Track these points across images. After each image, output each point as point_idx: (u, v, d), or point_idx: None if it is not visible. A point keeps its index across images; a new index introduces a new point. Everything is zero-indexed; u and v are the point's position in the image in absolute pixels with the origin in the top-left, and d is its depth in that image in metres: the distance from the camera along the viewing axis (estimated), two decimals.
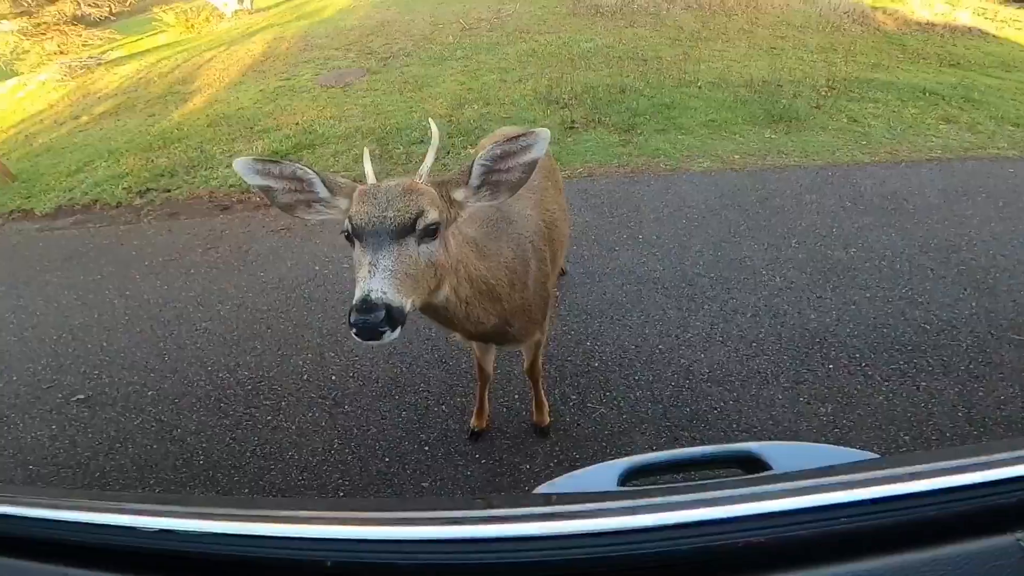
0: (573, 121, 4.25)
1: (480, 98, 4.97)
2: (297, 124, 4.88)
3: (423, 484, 1.87)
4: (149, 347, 2.59)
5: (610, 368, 2.20)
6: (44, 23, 8.68)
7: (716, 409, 2.00)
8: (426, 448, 1.98)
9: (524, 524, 0.44)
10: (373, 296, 0.85)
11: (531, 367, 1.80)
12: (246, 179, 1.03)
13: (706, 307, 2.44)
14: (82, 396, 2.38)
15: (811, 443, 0.66)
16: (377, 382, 2.26)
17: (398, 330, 0.88)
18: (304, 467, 1.96)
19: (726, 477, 0.64)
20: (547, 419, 1.99)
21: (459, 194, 1.04)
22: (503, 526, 0.43)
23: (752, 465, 0.59)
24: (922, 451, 1.78)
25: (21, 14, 8.46)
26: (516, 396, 2.13)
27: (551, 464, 1.89)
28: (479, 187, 1.04)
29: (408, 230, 0.93)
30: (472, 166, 1.01)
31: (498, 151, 0.99)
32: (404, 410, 2.13)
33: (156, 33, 9.98)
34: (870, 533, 0.41)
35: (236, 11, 10.45)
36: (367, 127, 4.62)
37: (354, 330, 0.85)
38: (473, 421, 1.99)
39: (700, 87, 4.72)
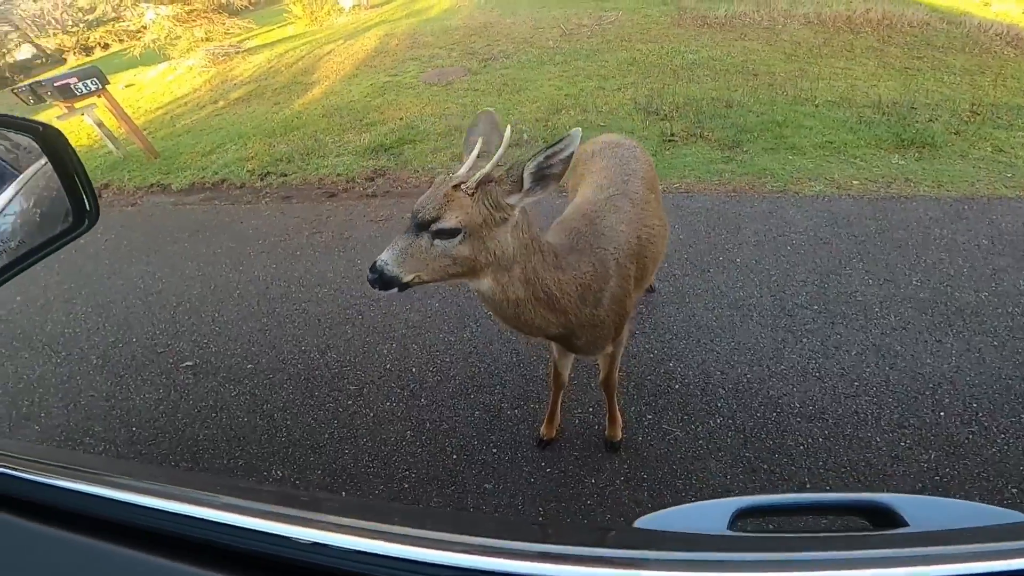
0: (672, 134, 4.10)
1: (577, 104, 4.95)
2: (401, 119, 5.13)
3: (486, 486, 1.89)
4: (254, 322, 2.81)
5: (691, 392, 2.11)
6: (195, 10, 9.74)
7: (803, 445, 1.87)
8: (494, 450, 2.00)
9: (632, 571, 0.41)
10: (378, 263, 1.09)
11: (606, 379, 1.78)
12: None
13: (805, 340, 2.27)
14: (190, 363, 2.61)
15: (955, 499, 0.56)
16: (455, 379, 2.31)
17: (393, 290, 1.11)
18: (376, 455, 2.04)
19: (853, 531, 0.57)
20: (619, 434, 1.94)
21: (512, 199, 1.12)
22: (614, 571, 0.41)
23: (882, 518, 0.52)
24: None
25: (176, 0, 9.54)
26: (590, 409, 2.10)
27: (616, 481, 1.85)
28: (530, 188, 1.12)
29: (425, 227, 1.08)
30: (523, 175, 1.08)
31: (542, 158, 1.05)
32: (477, 410, 2.16)
33: (285, 25, 10.89)
34: None
35: (354, 6, 11.21)
36: (465, 126, 4.72)
37: None
38: (543, 429, 1.99)
39: (817, 105, 4.38)
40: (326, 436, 2.14)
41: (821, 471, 1.79)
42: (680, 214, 3.12)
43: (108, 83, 5.01)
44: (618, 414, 1.93)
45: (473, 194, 1.08)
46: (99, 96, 4.94)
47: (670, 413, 2.04)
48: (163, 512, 0.48)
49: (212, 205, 4.17)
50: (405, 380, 2.34)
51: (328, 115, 5.56)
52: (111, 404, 2.45)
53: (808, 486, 1.76)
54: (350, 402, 2.28)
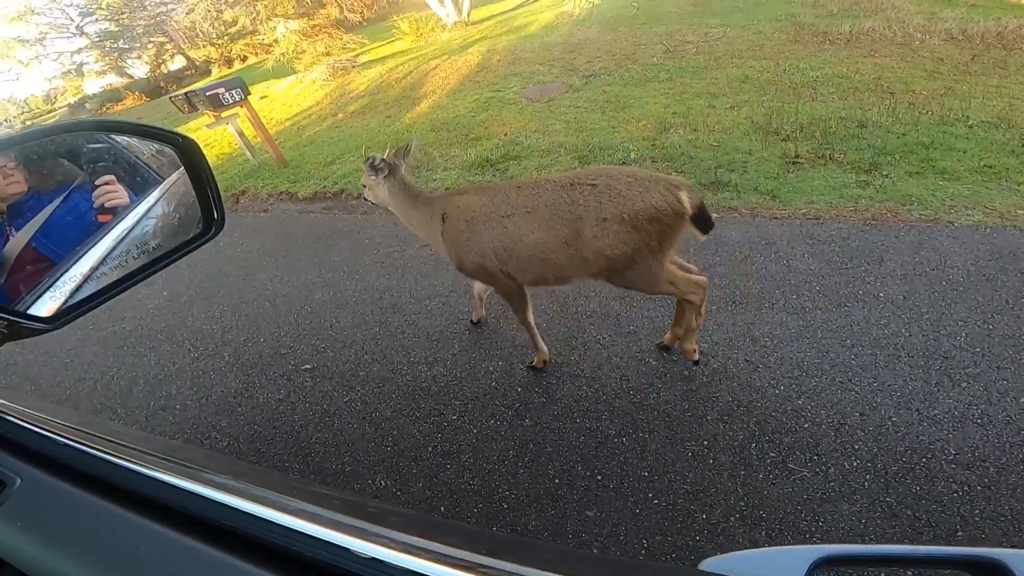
0: (797, 155, 3.82)
1: (686, 123, 4.76)
2: (505, 135, 5.22)
3: (587, 513, 1.81)
4: (367, 330, 2.92)
5: (823, 432, 1.92)
6: (317, 25, 10.68)
7: (956, 492, 1.65)
8: (598, 477, 1.92)
9: None
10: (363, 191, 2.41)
11: None
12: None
13: (964, 385, 2.00)
14: (309, 366, 2.74)
15: None
16: (560, 402, 2.25)
17: (366, 201, 2.38)
18: (477, 472, 2.03)
19: None
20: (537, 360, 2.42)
21: (371, 177, 2.27)
22: None
23: (991, 575, 0.44)
24: None
25: (302, 15, 10.50)
26: (705, 442, 1.97)
27: (731, 518, 1.70)
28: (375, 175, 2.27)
29: None
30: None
31: (369, 167, 2.25)
32: (582, 435, 2.09)
33: (394, 40, 11.58)
34: None
35: (456, 22, 11.72)
36: (569, 143, 4.74)
37: None
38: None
39: (971, 126, 3.89)
40: (429, 449, 2.16)
41: (976, 519, 1.59)
42: (810, 242, 2.88)
43: (249, 94, 5.46)
44: (535, 343, 2.40)
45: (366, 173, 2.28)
46: (241, 106, 5.41)
47: (797, 452, 1.86)
48: (251, 516, 0.49)
49: (332, 214, 4.46)
50: (510, 399, 2.32)
51: (435, 129, 5.79)
52: (237, 401, 2.63)
53: (960, 534, 1.56)
54: (455, 417, 2.29)
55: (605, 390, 2.26)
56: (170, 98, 5.77)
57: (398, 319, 2.96)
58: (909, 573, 1.38)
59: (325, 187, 4.88)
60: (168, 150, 1.06)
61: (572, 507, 1.84)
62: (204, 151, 1.08)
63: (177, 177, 1.09)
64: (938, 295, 2.41)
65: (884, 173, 3.47)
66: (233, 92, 5.25)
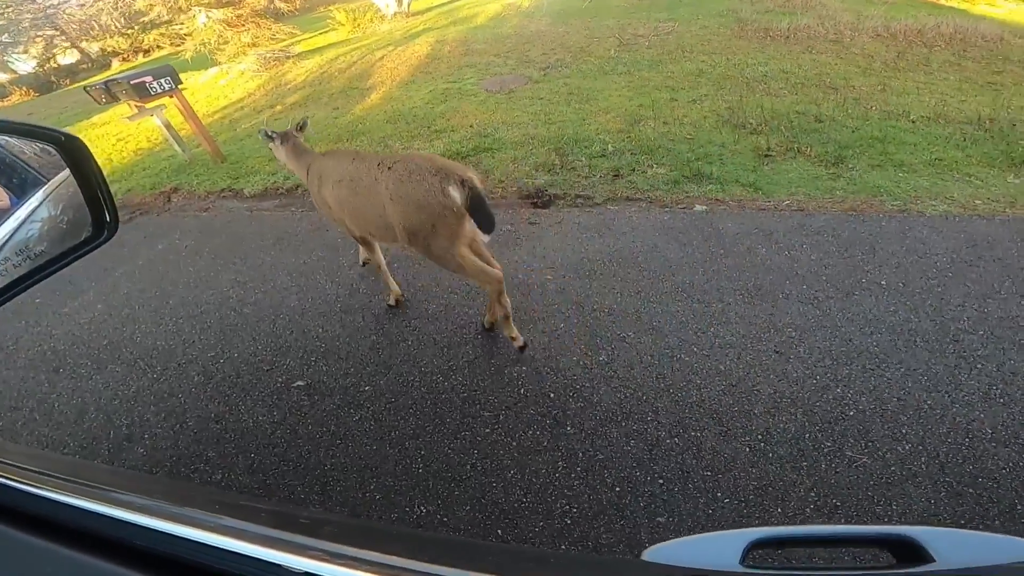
0: (768, 148, 3.95)
1: (655, 116, 4.81)
2: (471, 127, 5.02)
3: (659, 519, 1.73)
4: (363, 339, 2.65)
5: (869, 418, 1.95)
6: (242, 14, 9.75)
7: (1005, 469, 1.74)
8: (660, 481, 1.83)
9: None
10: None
11: None
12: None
13: (979, 366, 2.12)
14: (302, 383, 2.43)
15: (989, 533, 0.51)
16: (599, 406, 2.14)
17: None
18: (528, 489, 1.87)
19: (874, 566, 0.54)
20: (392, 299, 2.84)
21: (270, 142, 2.75)
22: None
23: (907, 552, 0.49)
24: None
25: (226, 4, 9.56)
26: (759, 436, 1.94)
27: (806, 509, 1.69)
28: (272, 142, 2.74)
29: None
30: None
31: (262, 135, 2.76)
32: (632, 439, 1.99)
33: (328, 31, 10.89)
34: None
35: (396, 13, 11.22)
36: (541, 135, 4.63)
37: None
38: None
39: (914, 121, 4.23)
40: (467, 467, 1.97)
41: None
42: (804, 233, 2.96)
43: (180, 83, 4.87)
44: (389, 282, 2.85)
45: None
46: (171, 96, 4.82)
47: (851, 440, 1.89)
48: (169, 535, 0.47)
49: (289, 212, 4.04)
50: (545, 406, 2.17)
51: (392, 121, 5.46)
52: (222, 427, 2.28)
53: (1019, 508, 1.63)
54: (487, 430, 2.10)
55: (643, 390, 2.18)
56: (85, 88, 4.98)
57: (397, 326, 2.70)
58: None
59: (275, 183, 4.41)
60: (51, 149, 0.96)
61: (641, 515, 1.74)
62: (92, 149, 0.98)
63: (64, 177, 1.00)
64: (933, 282, 2.55)
65: (850, 166, 3.67)
66: (161, 81, 4.62)
